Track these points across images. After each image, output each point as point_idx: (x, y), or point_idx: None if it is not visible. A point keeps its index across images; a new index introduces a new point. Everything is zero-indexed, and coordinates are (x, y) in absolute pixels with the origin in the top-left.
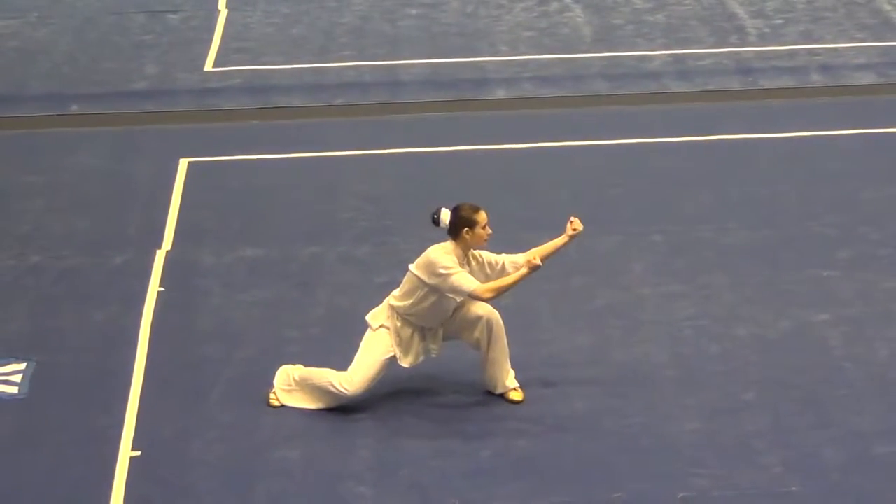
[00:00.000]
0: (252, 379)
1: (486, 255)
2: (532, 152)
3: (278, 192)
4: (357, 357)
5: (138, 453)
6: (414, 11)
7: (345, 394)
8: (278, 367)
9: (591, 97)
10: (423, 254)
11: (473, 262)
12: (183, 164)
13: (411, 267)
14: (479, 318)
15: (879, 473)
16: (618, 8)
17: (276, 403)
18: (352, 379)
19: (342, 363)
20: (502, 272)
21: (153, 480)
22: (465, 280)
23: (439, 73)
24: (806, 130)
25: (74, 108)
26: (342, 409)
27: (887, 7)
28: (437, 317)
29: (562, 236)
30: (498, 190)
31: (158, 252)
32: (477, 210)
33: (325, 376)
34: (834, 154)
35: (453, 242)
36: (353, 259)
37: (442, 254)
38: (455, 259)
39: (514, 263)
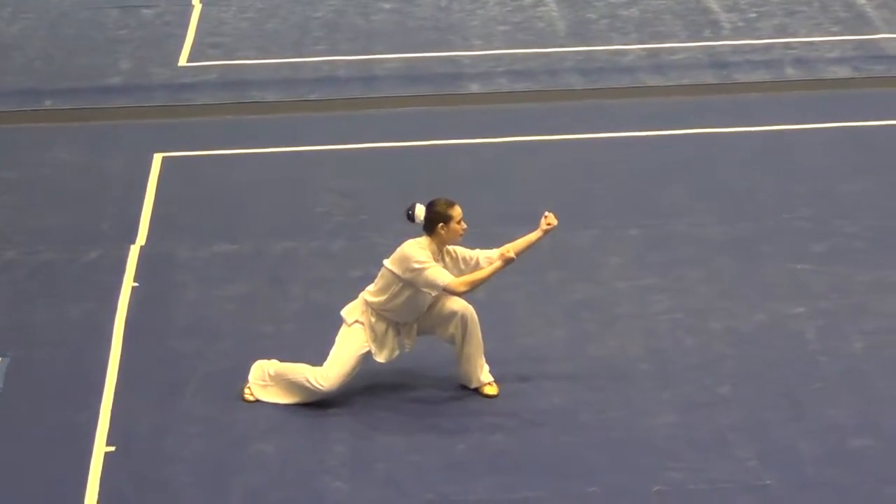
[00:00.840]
0: (227, 374)
1: (461, 251)
2: (507, 146)
3: (253, 187)
4: (332, 353)
5: (113, 448)
6: (388, 6)
7: (320, 389)
8: (253, 362)
9: (566, 91)
10: (398, 249)
11: (447, 258)
12: (157, 158)
13: (386, 262)
14: (454, 313)
15: (854, 467)
16: (592, 2)
17: (251, 398)
18: (327, 375)
19: (317, 358)
20: (476, 267)
21: (128, 476)
22: (439, 274)
23: (414, 67)
24: (781, 124)
25: (48, 104)
26: (317, 403)
27: (861, 0)
28: (412, 312)
29: (536, 231)
30: (473, 184)
31: (133, 247)
32: (452, 205)
33: (301, 372)
34: (809, 147)
35: (428, 238)
36: (327, 254)
37: (416, 248)
38: (430, 254)
39: (489, 258)
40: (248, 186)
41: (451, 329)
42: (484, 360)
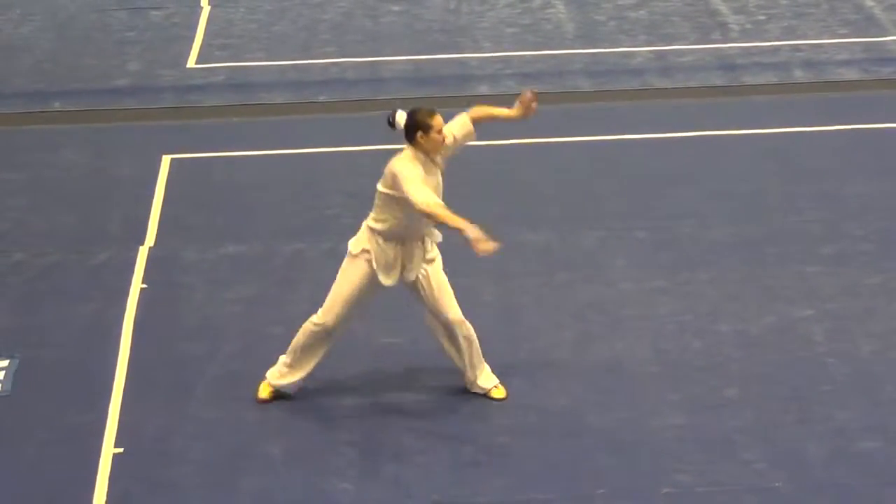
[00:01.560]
0: (235, 375)
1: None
2: (514, 148)
3: (261, 189)
4: (333, 287)
5: (121, 450)
6: (396, 8)
7: (323, 325)
8: (262, 364)
9: (574, 93)
10: (387, 168)
11: (439, 159)
12: (166, 160)
13: (379, 186)
14: (450, 324)
15: (863, 469)
16: (600, 4)
17: (264, 395)
18: (325, 309)
19: (327, 358)
20: (466, 131)
21: (136, 477)
22: (417, 193)
23: (422, 69)
24: (789, 126)
25: (57, 105)
26: (325, 405)
27: (870, 2)
28: (419, 227)
29: (514, 108)
30: (480, 186)
31: (141, 249)
32: (433, 114)
33: (303, 329)
34: (817, 150)
35: (412, 148)
36: (336, 255)
37: (404, 162)
38: (419, 166)
39: (462, 124)
40: (257, 188)
41: (447, 338)
42: (485, 364)
